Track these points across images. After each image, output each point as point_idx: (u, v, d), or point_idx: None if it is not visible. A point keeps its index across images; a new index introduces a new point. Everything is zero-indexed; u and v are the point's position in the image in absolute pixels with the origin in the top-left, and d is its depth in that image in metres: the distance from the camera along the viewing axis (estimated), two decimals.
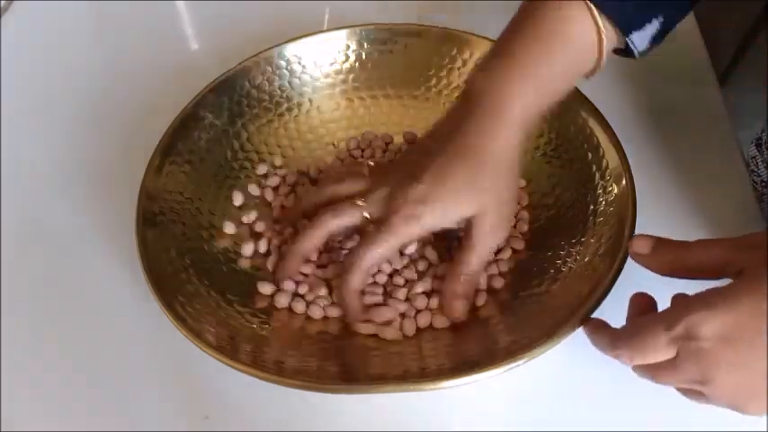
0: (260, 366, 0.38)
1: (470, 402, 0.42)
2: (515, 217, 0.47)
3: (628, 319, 0.37)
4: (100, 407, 0.43)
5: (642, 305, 0.37)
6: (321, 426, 0.41)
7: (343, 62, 0.53)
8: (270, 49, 0.52)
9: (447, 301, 0.42)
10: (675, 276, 0.36)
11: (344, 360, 0.41)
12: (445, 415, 0.42)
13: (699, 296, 0.32)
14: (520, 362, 0.36)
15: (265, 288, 0.44)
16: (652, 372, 0.35)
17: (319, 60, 0.53)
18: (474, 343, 0.41)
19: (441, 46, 0.53)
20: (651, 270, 0.36)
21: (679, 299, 0.34)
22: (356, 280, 0.42)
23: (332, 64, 0.53)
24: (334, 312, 0.43)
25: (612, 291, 0.39)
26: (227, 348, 0.39)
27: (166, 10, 0.66)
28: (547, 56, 0.40)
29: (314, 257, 0.45)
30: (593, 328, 0.37)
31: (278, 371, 0.38)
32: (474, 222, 0.41)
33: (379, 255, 0.41)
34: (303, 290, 0.44)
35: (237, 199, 0.49)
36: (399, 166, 0.44)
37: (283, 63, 0.52)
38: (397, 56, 0.53)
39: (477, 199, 0.41)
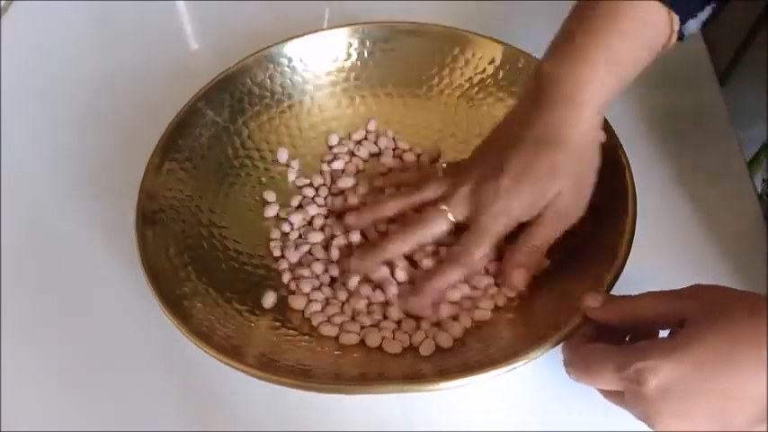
0: (260, 366, 0.38)
1: (470, 402, 0.42)
2: None
3: (587, 334, 0.37)
4: (100, 407, 0.43)
5: (599, 326, 0.37)
6: (321, 426, 0.41)
7: (345, 60, 0.53)
8: (272, 46, 0.52)
9: (508, 271, 0.42)
10: (629, 327, 0.37)
11: (344, 360, 0.41)
12: (445, 415, 0.42)
13: (656, 343, 0.33)
14: (519, 362, 0.36)
15: (298, 302, 0.44)
16: (602, 392, 0.36)
17: (321, 58, 0.53)
18: (473, 344, 0.41)
19: (443, 45, 0.53)
20: (603, 322, 0.37)
21: (641, 341, 0.35)
22: (452, 277, 0.41)
23: (334, 61, 0.53)
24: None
25: (612, 291, 0.39)
26: (227, 347, 0.39)
27: (166, 10, 0.66)
28: (622, 40, 0.40)
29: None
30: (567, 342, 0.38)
31: (277, 370, 0.38)
32: (548, 203, 0.41)
33: (475, 259, 0.41)
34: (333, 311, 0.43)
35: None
36: (477, 162, 0.44)
37: (285, 60, 0.52)
38: (399, 54, 0.53)
39: (558, 183, 0.41)
